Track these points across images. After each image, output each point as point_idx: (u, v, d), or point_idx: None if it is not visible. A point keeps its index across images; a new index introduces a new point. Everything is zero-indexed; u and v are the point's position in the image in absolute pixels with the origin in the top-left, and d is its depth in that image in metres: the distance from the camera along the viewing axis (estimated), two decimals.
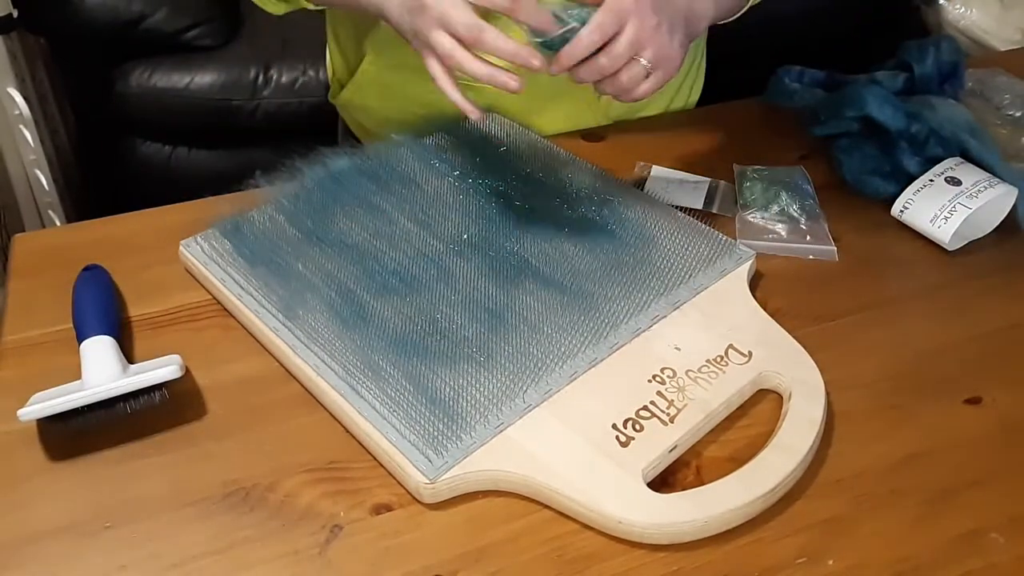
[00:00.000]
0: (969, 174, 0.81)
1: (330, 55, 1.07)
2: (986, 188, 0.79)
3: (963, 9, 1.77)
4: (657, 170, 0.88)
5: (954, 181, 0.80)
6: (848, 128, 0.87)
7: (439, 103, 0.81)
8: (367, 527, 0.58)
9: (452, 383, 0.63)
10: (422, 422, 0.61)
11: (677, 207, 0.82)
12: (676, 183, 0.86)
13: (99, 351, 0.65)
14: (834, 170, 0.87)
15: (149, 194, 1.02)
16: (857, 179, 0.83)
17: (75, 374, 0.64)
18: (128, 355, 0.68)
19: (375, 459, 0.62)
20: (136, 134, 1.78)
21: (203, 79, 1.70)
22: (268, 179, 0.81)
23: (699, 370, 0.65)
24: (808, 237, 0.80)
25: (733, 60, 1.39)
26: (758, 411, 0.65)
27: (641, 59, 0.70)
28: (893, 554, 0.57)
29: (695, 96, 1.05)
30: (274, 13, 0.88)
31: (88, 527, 0.58)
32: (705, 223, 0.78)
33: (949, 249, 0.78)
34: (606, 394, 0.64)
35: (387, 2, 0.75)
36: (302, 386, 0.67)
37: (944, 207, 0.78)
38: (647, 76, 0.71)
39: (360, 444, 0.63)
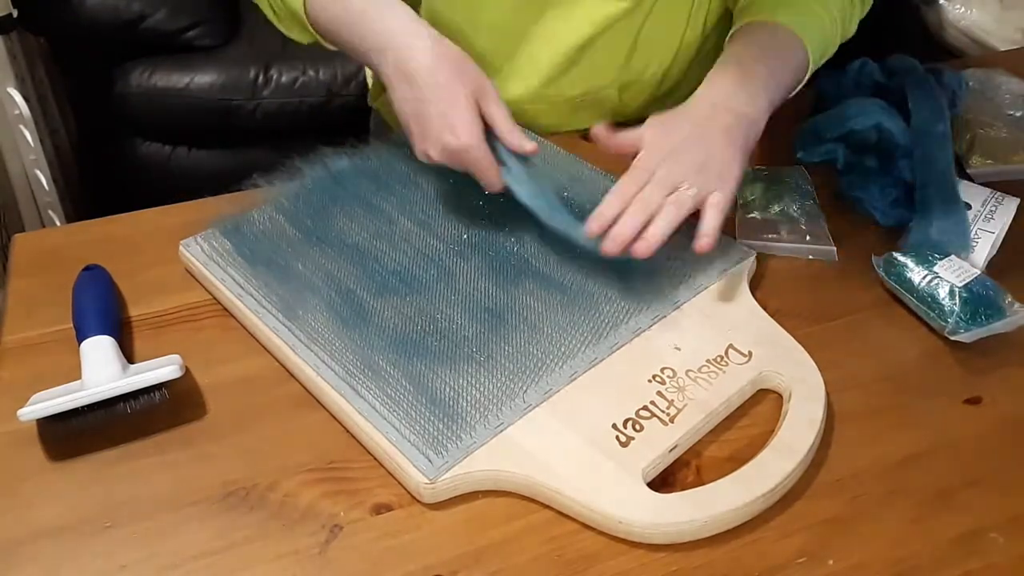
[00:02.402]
0: (973, 195, 0.82)
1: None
2: (996, 207, 0.81)
3: (963, 9, 1.77)
4: None
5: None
6: (832, 154, 0.87)
7: None
8: (367, 527, 0.58)
9: (452, 383, 0.63)
10: (422, 422, 0.61)
11: None
12: None
13: (99, 351, 0.65)
14: (834, 171, 0.87)
15: (149, 194, 1.02)
16: (885, 214, 0.82)
17: (75, 374, 0.64)
18: (128, 355, 0.68)
19: (375, 459, 0.62)
20: (136, 134, 1.78)
21: (203, 79, 1.70)
22: (268, 179, 0.81)
23: (699, 370, 0.65)
24: (808, 237, 0.79)
25: None
26: (758, 411, 0.65)
27: (686, 189, 0.70)
28: (893, 554, 0.57)
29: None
30: (301, 42, 0.86)
31: (88, 527, 0.58)
32: None
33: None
34: (606, 394, 0.64)
35: (390, 87, 0.74)
36: (302, 386, 0.67)
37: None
38: (700, 201, 0.70)
39: (360, 444, 0.63)
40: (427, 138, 0.72)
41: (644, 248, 0.68)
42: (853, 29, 0.87)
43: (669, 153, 0.72)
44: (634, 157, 0.72)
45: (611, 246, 0.68)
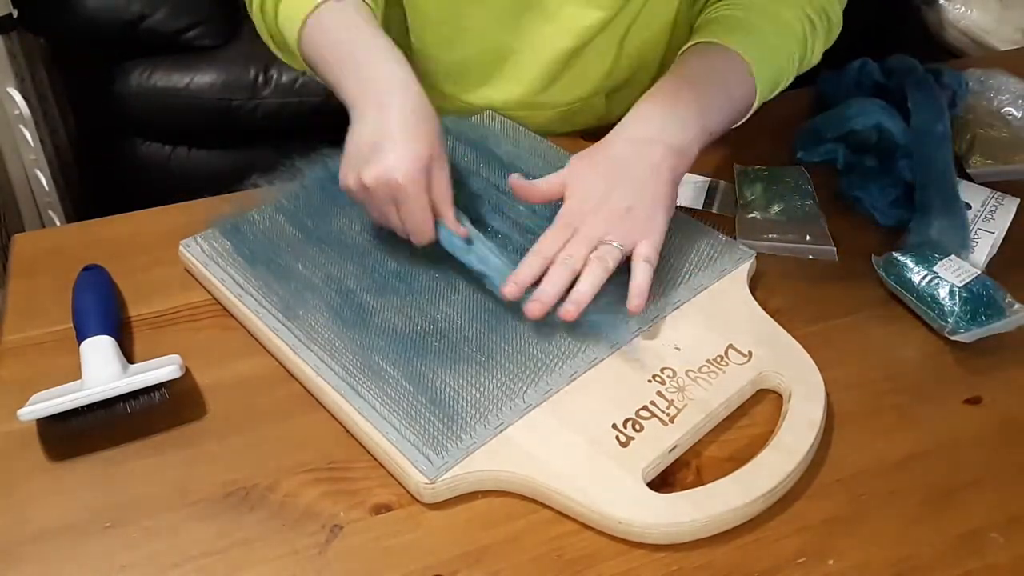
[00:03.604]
0: (973, 195, 0.81)
1: None
2: (996, 207, 0.81)
3: (963, 9, 1.77)
4: None
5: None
6: (832, 154, 0.87)
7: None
8: (367, 527, 0.58)
9: (452, 383, 0.63)
10: (422, 422, 0.61)
11: (677, 207, 0.82)
12: None
13: (99, 351, 0.65)
14: (834, 171, 0.87)
15: (149, 194, 1.02)
16: (885, 214, 0.82)
17: (75, 374, 0.64)
18: (128, 355, 0.68)
19: (375, 459, 0.62)
20: (136, 134, 1.78)
21: (203, 79, 1.70)
22: (268, 179, 0.81)
23: (699, 370, 0.65)
24: (808, 237, 0.80)
25: None
26: (758, 411, 0.65)
27: (609, 244, 0.68)
28: (893, 554, 0.57)
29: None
30: (299, 69, 0.84)
31: (88, 527, 0.58)
32: (705, 223, 0.78)
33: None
34: (606, 394, 0.64)
35: (353, 118, 0.71)
36: (302, 386, 0.67)
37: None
38: (627, 252, 0.68)
39: (360, 444, 0.63)
40: (367, 162, 0.67)
41: (572, 310, 0.66)
42: (816, 57, 0.84)
43: (593, 203, 0.70)
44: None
45: (534, 309, 0.66)
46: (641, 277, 0.67)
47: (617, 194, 0.70)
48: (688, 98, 0.74)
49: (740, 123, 0.80)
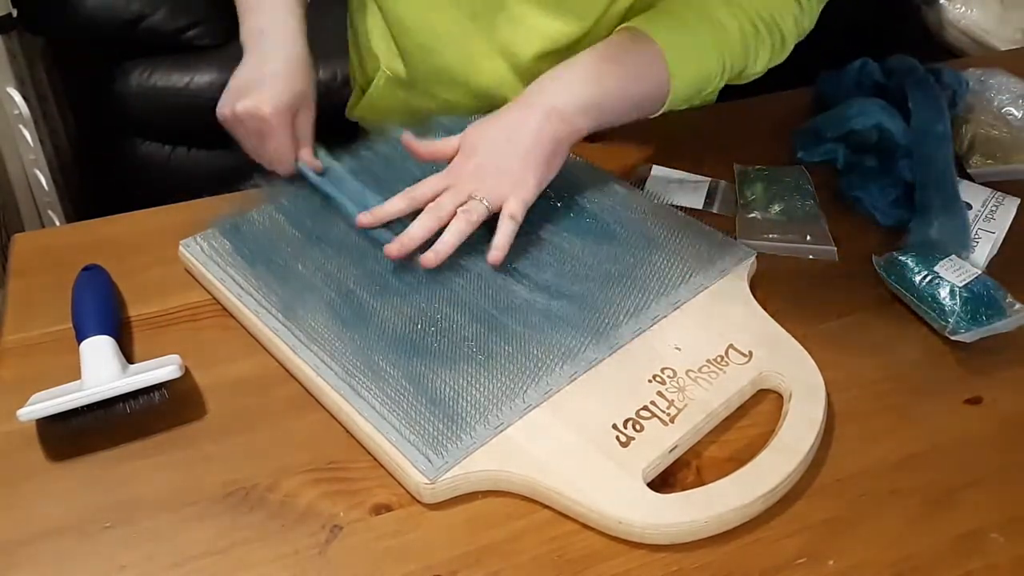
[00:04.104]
0: (974, 195, 0.82)
1: (352, 71, 1.08)
2: (996, 207, 0.81)
3: (963, 9, 1.77)
4: (657, 170, 0.88)
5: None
6: (833, 154, 0.87)
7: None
8: (367, 527, 0.58)
9: (452, 383, 0.63)
10: (422, 422, 0.61)
11: (677, 207, 0.82)
12: (676, 183, 0.86)
13: (99, 351, 0.65)
14: (834, 171, 0.87)
15: (149, 194, 1.02)
16: (885, 214, 0.82)
17: (75, 374, 0.64)
18: (128, 355, 0.68)
19: (375, 459, 0.62)
20: (136, 134, 1.78)
21: (203, 79, 1.70)
22: (268, 179, 0.81)
23: (699, 370, 0.65)
24: (808, 237, 0.79)
25: None
26: (758, 411, 0.65)
27: (478, 198, 0.71)
28: (893, 554, 0.57)
29: (712, 95, 1.05)
30: None
31: (88, 527, 0.58)
32: (705, 223, 0.78)
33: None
34: (606, 394, 0.64)
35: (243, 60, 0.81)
36: (302, 386, 0.67)
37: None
38: (494, 209, 0.71)
39: (360, 444, 0.62)
40: (241, 96, 0.76)
41: (432, 259, 0.69)
42: (759, 67, 0.83)
43: (472, 161, 0.73)
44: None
45: (394, 249, 0.70)
46: (503, 231, 0.71)
47: (495, 153, 0.73)
48: (586, 72, 0.76)
49: (656, 114, 0.80)
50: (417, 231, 0.70)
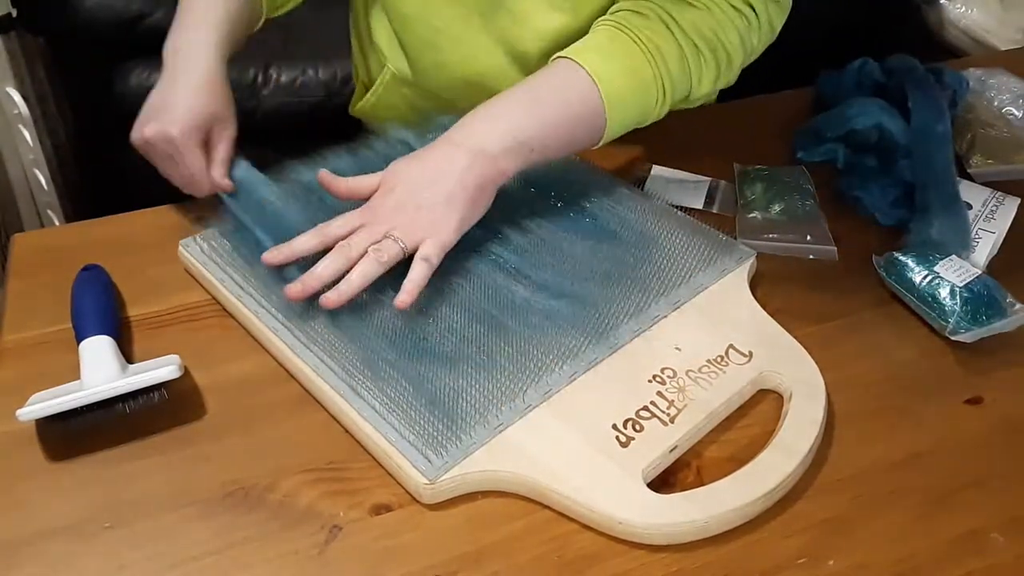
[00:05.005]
0: (974, 195, 0.82)
1: (355, 67, 1.08)
2: (997, 207, 0.81)
3: (964, 9, 1.77)
4: (657, 170, 0.88)
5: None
6: (833, 154, 0.87)
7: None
8: (367, 527, 0.58)
9: (452, 383, 0.63)
10: (422, 422, 0.61)
11: (677, 207, 0.82)
12: (676, 183, 0.86)
13: (98, 351, 0.65)
14: (834, 171, 0.87)
15: (149, 194, 1.02)
16: (886, 213, 0.82)
17: (74, 374, 0.64)
18: (127, 355, 0.68)
19: (375, 459, 0.62)
20: None
21: None
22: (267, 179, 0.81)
23: (699, 370, 0.65)
24: (808, 237, 0.79)
25: None
26: (758, 411, 0.65)
27: (392, 238, 0.68)
28: (893, 554, 0.57)
29: (714, 95, 1.05)
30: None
31: (88, 527, 0.58)
32: (705, 223, 0.78)
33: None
34: (606, 394, 0.64)
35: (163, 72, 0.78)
36: (301, 386, 0.67)
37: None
38: (410, 249, 0.68)
39: (360, 444, 0.62)
40: (150, 119, 0.75)
41: (334, 299, 0.66)
42: (705, 89, 0.78)
43: (391, 200, 0.70)
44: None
45: (295, 291, 0.66)
46: (415, 273, 0.67)
47: (415, 193, 0.69)
48: (513, 109, 0.73)
49: (597, 146, 0.77)
50: (323, 271, 0.67)
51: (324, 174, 0.73)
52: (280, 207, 0.75)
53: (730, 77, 0.80)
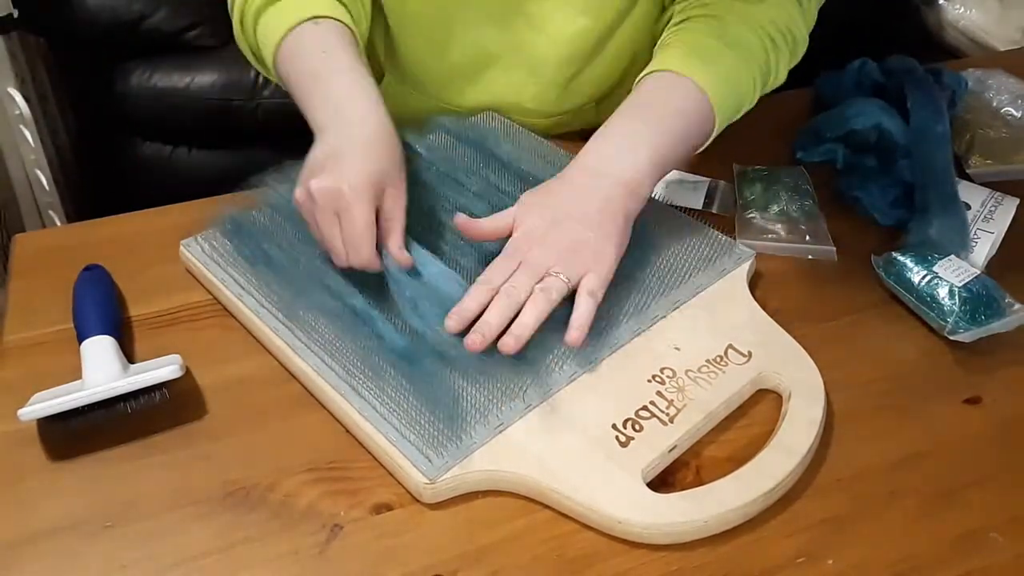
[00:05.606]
0: (973, 195, 0.82)
1: None
2: (995, 207, 0.81)
3: (963, 9, 1.77)
4: None
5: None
6: (832, 154, 0.87)
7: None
8: (367, 527, 0.58)
9: (452, 383, 0.63)
10: (422, 422, 0.61)
11: (677, 207, 0.82)
12: (676, 183, 0.86)
13: (99, 351, 0.65)
14: (833, 171, 0.87)
15: (149, 194, 1.02)
16: (885, 214, 0.82)
17: (75, 374, 0.64)
18: (128, 355, 0.68)
19: (375, 459, 0.62)
20: (136, 134, 1.78)
21: (203, 79, 1.70)
22: (268, 179, 0.81)
23: (699, 370, 0.65)
24: (808, 237, 0.80)
25: None
26: (758, 411, 0.65)
27: (555, 275, 0.66)
28: (893, 554, 0.57)
29: None
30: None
31: (88, 527, 0.58)
32: (705, 223, 0.78)
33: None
34: (606, 394, 0.64)
35: (317, 140, 0.71)
36: (302, 386, 0.67)
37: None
38: (573, 285, 0.66)
39: (360, 444, 0.63)
40: (317, 175, 0.67)
41: (512, 344, 0.63)
42: (782, 76, 0.82)
43: (541, 235, 0.68)
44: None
45: (475, 341, 0.63)
46: (583, 310, 0.65)
47: (566, 226, 0.68)
48: (643, 131, 0.73)
49: (700, 149, 0.78)
50: (494, 319, 0.64)
51: (461, 217, 0.70)
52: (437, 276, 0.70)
53: (796, 61, 0.83)
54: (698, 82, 0.74)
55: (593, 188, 0.70)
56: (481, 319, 0.65)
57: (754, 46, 0.78)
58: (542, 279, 0.66)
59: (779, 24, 0.79)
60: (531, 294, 0.66)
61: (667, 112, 0.74)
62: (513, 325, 0.65)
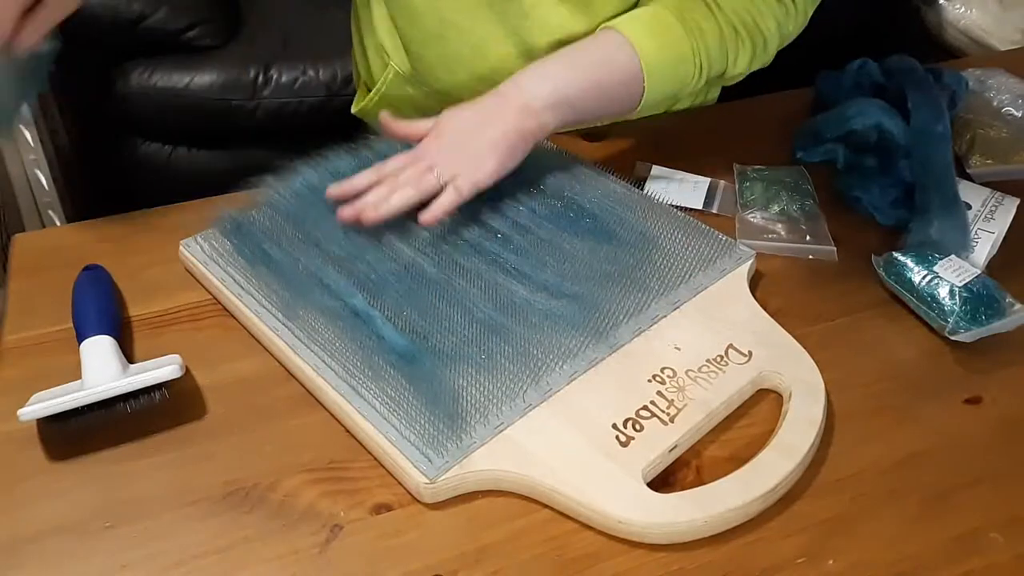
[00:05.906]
0: (973, 195, 0.82)
1: (355, 67, 1.08)
2: (996, 207, 0.81)
3: (963, 9, 1.77)
4: (657, 170, 0.88)
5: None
6: (832, 154, 0.87)
7: None
8: (367, 527, 0.58)
9: (452, 383, 0.63)
10: (422, 422, 0.61)
11: (677, 207, 0.82)
12: (676, 183, 0.86)
13: (99, 351, 0.65)
14: (834, 171, 0.87)
15: (149, 194, 1.02)
16: (885, 214, 0.82)
17: (75, 374, 0.64)
18: (128, 355, 0.68)
19: (375, 459, 0.62)
20: (136, 134, 1.78)
21: (203, 79, 1.70)
22: (268, 179, 0.81)
23: (699, 370, 0.65)
24: (808, 237, 0.80)
25: None
26: (758, 411, 0.65)
27: (434, 173, 0.73)
28: (893, 554, 0.57)
29: (714, 94, 1.05)
30: None
31: (88, 527, 0.58)
32: (705, 223, 0.78)
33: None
34: (606, 394, 0.64)
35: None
36: (302, 386, 0.67)
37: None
38: (445, 183, 0.73)
39: (360, 444, 0.63)
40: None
41: (372, 215, 0.72)
42: (740, 69, 0.83)
43: (437, 141, 0.76)
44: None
45: (345, 212, 0.73)
46: (443, 199, 0.73)
47: (461, 137, 0.76)
48: (559, 69, 0.79)
49: (631, 115, 0.83)
50: (371, 197, 0.73)
51: (384, 116, 0.79)
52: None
53: (765, 60, 0.85)
54: (632, 41, 0.78)
55: (495, 106, 0.77)
56: (361, 198, 0.74)
57: (708, 29, 0.80)
58: (422, 175, 0.74)
59: (744, 17, 0.81)
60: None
61: (591, 60, 0.80)
62: (381, 201, 0.73)
